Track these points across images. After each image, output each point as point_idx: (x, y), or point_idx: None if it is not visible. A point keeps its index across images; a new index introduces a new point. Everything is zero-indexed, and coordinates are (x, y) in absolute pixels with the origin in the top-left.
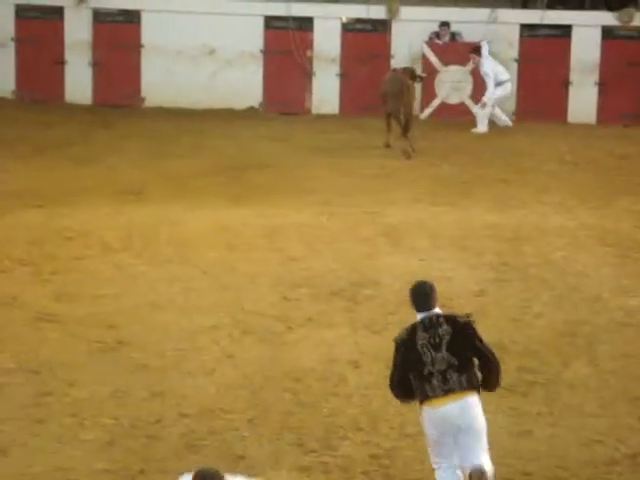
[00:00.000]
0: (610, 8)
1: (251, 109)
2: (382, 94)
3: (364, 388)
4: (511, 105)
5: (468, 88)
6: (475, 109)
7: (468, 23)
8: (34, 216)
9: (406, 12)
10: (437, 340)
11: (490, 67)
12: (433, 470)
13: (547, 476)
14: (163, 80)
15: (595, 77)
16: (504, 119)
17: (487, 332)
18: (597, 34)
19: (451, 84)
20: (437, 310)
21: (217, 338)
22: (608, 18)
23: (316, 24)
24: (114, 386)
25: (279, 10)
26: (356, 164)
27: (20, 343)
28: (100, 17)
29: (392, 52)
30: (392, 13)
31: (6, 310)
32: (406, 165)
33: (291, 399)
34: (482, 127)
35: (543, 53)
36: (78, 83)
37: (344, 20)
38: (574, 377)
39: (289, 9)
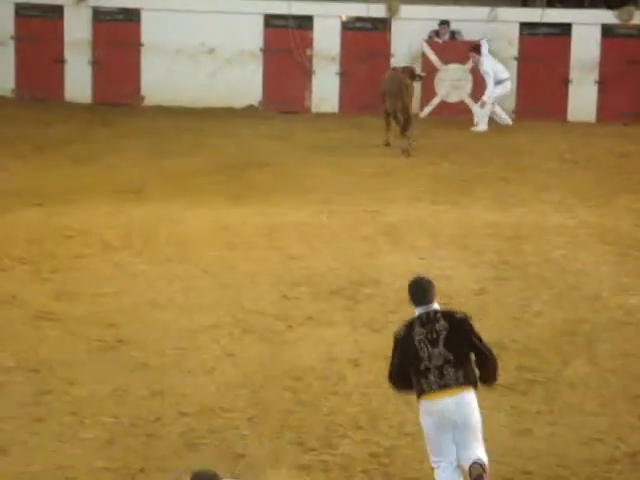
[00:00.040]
0: (610, 6)
1: (251, 108)
2: (381, 93)
3: (364, 387)
4: (511, 103)
5: (468, 87)
6: (475, 108)
7: (468, 21)
8: (34, 214)
9: (406, 10)
10: (434, 336)
11: (490, 65)
12: (432, 469)
13: (547, 475)
14: (163, 79)
15: (595, 75)
16: (504, 117)
17: (487, 330)
18: (597, 32)
19: (451, 82)
20: (435, 306)
21: (217, 337)
22: (608, 16)
23: (316, 22)
24: (114, 385)
25: (279, 8)
26: (356, 162)
27: (20, 342)
28: (100, 16)
29: (392, 51)
30: (392, 11)
31: (6, 309)
32: (406, 163)
33: (291, 398)
34: (482, 125)
35: (543, 51)
36: (78, 82)
37: (344, 19)
38: (574, 375)
39: (289, 7)
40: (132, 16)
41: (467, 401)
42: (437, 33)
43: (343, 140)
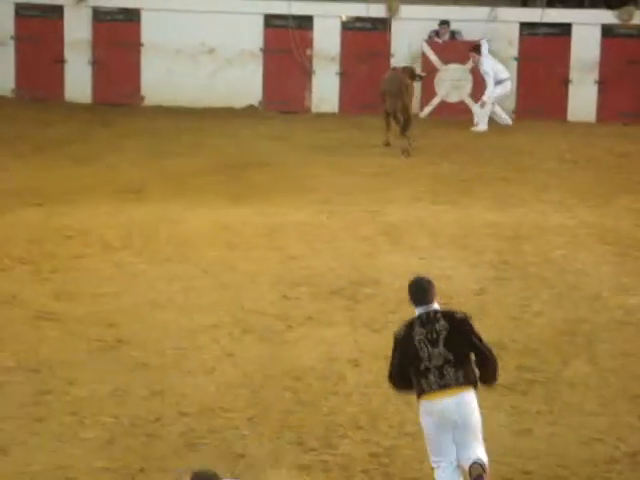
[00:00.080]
0: (610, 6)
1: (251, 108)
2: (381, 93)
3: (364, 387)
4: (511, 103)
5: (468, 87)
6: (475, 108)
7: (468, 21)
8: (34, 215)
9: (406, 10)
10: (434, 336)
11: (490, 66)
12: (432, 470)
13: (547, 475)
14: (163, 79)
15: (595, 75)
16: (504, 117)
17: (487, 331)
18: (597, 32)
19: (451, 82)
20: (435, 306)
21: (217, 337)
22: (608, 16)
23: (316, 22)
24: (114, 385)
25: (279, 8)
26: (356, 162)
27: (20, 342)
28: (100, 16)
29: (392, 51)
30: (392, 11)
31: (6, 309)
32: (406, 164)
33: (291, 398)
34: (482, 125)
35: (543, 51)
36: (78, 82)
37: (344, 19)
38: (574, 375)
39: (289, 7)
40: (132, 16)
41: (467, 401)
42: (437, 33)
43: (343, 140)
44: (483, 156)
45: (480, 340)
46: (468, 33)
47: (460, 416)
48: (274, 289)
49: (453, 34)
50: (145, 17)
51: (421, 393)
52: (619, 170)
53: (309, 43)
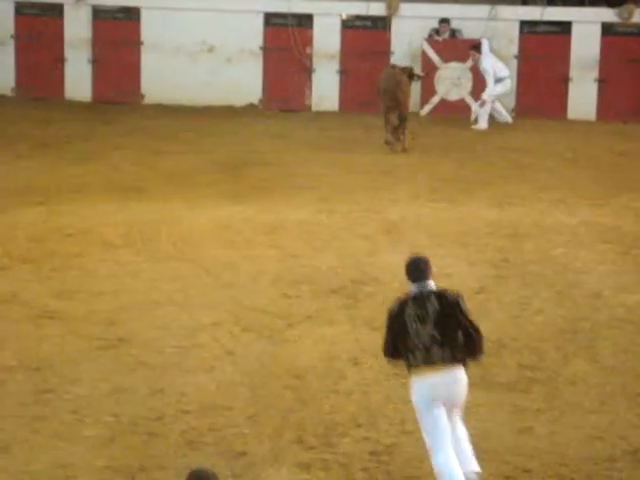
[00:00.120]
0: (610, 4)
1: (251, 106)
2: (378, 91)
3: (364, 385)
4: (511, 102)
5: (468, 85)
6: (474, 106)
7: (468, 20)
8: (34, 213)
9: (406, 9)
10: (424, 313)
11: (490, 64)
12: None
13: (547, 473)
14: (163, 77)
15: (595, 74)
16: (505, 115)
17: (487, 329)
18: (597, 30)
19: (451, 81)
20: (430, 284)
21: (217, 335)
22: (608, 14)
23: (316, 21)
24: (114, 383)
25: (279, 7)
26: (356, 161)
27: (20, 340)
28: (99, 14)
29: (392, 49)
30: (392, 10)
31: (6, 307)
32: (406, 162)
33: (291, 396)
34: (482, 124)
35: (543, 50)
36: (78, 80)
37: (344, 17)
38: (574, 374)
39: (289, 6)
40: (132, 14)
41: (455, 378)
42: (437, 31)
43: (343, 138)
44: (483, 154)
45: (469, 320)
46: (468, 31)
47: (449, 391)
48: (274, 287)
49: (453, 32)
50: (145, 15)
51: (410, 368)
52: (619, 168)
53: (309, 41)
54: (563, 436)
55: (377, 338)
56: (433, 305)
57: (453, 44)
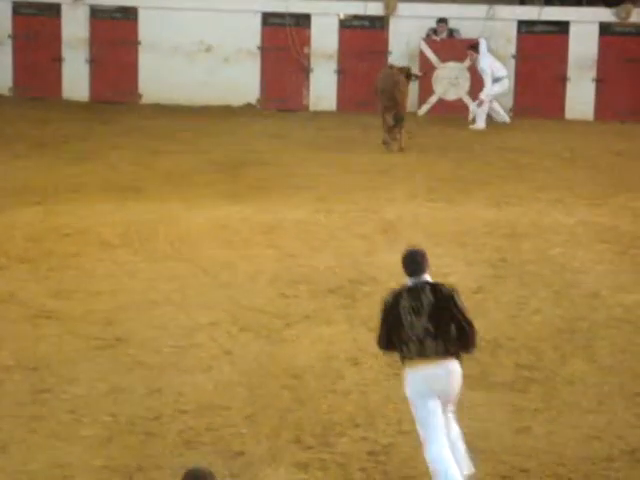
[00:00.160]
0: (608, 4)
1: (248, 106)
2: (376, 91)
3: (362, 385)
4: (508, 101)
5: (465, 85)
6: (472, 106)
7: (466, 19)
8: (32, 213)
9: (404, 8)
10: (419, 306)
11: (487, 64)
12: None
13: (545, 473)
14: (160, 77)
15: (592, 73)
16: (502, 114)
17: (485, 329)
18: (595, 30)
19: (448, 80)
20: (426, 277)
21: (215, 335)
22: (606, 14)
23: (313, 20)
24: (112, 383)
25: (276, 7)
26: (354, 160)
27: (18, 340)
28: (97, 14)
29: (390, 48)
30: (390, 9)
31: (4, 307)
32: (403, 162)
33: (289, 396)
34: (480, 123)
35: (541, 49)
36: (75, 80)
37: (341, 16)
38: (572, 373)
39: (286, 6)
40: (129, 14)
41: (449, 370)
42: (435, 31)
43: (341, 138)
44: (481, 154)
45: (462, 314)
46: (466, 31)
47: (442, 384)
48: (272, 287)
49: (451, 32)
50: (142, 15)
51: (403, 359)
52: (617, 168)
53: (307, 41)
54: (561, 436)
55: (375, 338)
56: (428, 297)
57: (451, 44)
